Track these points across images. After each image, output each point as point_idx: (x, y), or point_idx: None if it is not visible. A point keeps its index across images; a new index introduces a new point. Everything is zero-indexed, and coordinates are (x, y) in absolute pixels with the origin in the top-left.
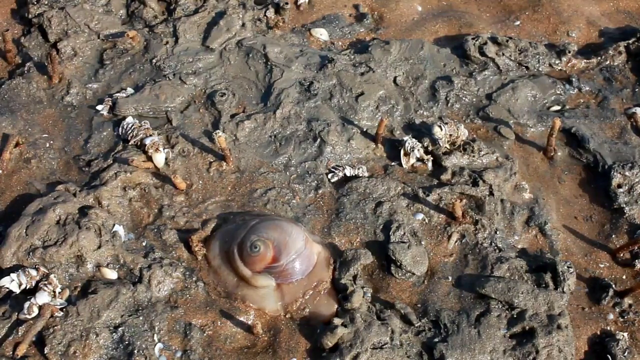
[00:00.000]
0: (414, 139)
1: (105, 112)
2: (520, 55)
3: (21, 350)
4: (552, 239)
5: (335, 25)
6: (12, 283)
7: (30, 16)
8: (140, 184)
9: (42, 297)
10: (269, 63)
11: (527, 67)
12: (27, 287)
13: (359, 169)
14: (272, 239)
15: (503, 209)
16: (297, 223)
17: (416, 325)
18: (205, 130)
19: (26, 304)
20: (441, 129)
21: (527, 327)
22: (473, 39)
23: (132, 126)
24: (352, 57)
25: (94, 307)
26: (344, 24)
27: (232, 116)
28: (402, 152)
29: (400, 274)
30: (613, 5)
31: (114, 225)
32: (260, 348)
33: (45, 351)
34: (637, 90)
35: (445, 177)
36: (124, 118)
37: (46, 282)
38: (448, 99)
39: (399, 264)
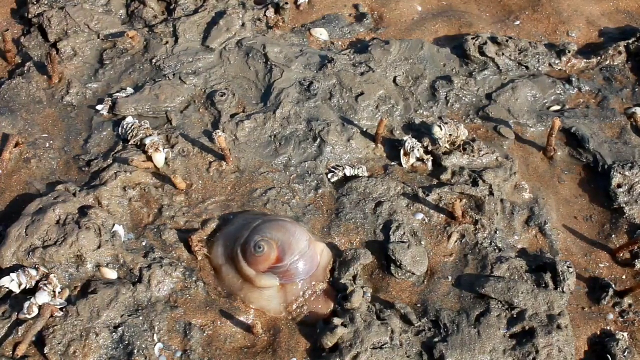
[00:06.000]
0: (414, 139)
1: (105, 112)
2: (520, 55)
3: (21, 350)
4: (552, 239)
5: (335, 25)
6: (12, 283)
7: (30, 16)
8: (140, 184)
9: (42, 297)
10: (269, 63)
11: (527, 67)
12: (27, 287)
13: (359, 169)
14: (276, 240)
15: (503, 209)
16: (301, 223)
17: (416, 325)
18: (205, 130)
19: (26, 304)
20: (441, 129)
21: (527, 327)
22: (473, 39)
23: (132, 126)
24: (352, 57)
25: (94, 307)
26: (344, 24)
27: (232, 116)
28: (402, 152)
29: (400, 274)
30: (613, 5)
31: (114, 225)
32: (260, 348)
33: (45, 351)
34: (637, 90)
35: (445, 177)
36: (124, 118)
37: (46, 282)
38: (448, 99)
39: (399, 264)
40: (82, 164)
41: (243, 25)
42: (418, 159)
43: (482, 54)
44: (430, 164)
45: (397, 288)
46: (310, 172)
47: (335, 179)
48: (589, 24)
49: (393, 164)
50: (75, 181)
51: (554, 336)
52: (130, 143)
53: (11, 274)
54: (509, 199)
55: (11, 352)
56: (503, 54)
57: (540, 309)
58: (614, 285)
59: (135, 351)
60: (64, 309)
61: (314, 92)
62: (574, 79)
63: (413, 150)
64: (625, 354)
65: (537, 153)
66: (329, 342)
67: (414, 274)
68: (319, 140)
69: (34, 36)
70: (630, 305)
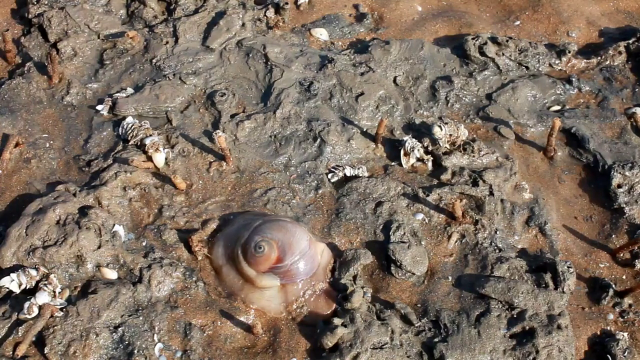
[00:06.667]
0: (414, 139)
1: (105, 112)
2: (520, 55)
3: (21, 350)
4: (552, 239)
5: (335, 25)
6: (12, 283)
7: (30, 16)
8: (140, 184)
9: (42, 297)
10: (269, 63)
11: (527, 67)
12: (27, 287)
13: (359, 169)
14: (276, 240)
15: (503, 209)
16: (301, 223)
17: (416, 325)
18: (205, 130)
19: (26, 304)
20: (441, 129)
21: (527, 327)
22: (473, 39)
23: (132, 126)
24: (352, 57)
25: (94, 307)
26: (344, 24)
27: (232, 116)
28: (402, 152)
29: (400, 274)
30: (613, 5)
31: (114, 225)
32: (260, 348)
33: (45, 351)
34: (637, 90)
35: (445, 177)
36: (124, 118)
37: (46, 282)
38: (448, 99)
39: (399, 264)
40: (82, 164)
41: (243, 25)
42: (418, 159)
43: (482, 54)
44: (430, 164)
45: (397, 288)
46: (310, 172)
47: (335, 179)
48: (589, 24)
49: (393, 164)
50: (75, 181)
51: (554, 336)
52: (130, 143)
53: (11, 274)
54: (509, 199)
55: (11, 352)
56: (503, 54)
57: (540, 309)
58: (614, 285)
59: (135, 351)
60: (64, 309)
61: (314, 92)
62: (574, 79)
63: (413, 150)
64: (625, 354)
65: (537, 153)
66: (329, 342)
67: (414, 274)
68: (319, 140)
69: (34, 36)
70: (630, 305)
